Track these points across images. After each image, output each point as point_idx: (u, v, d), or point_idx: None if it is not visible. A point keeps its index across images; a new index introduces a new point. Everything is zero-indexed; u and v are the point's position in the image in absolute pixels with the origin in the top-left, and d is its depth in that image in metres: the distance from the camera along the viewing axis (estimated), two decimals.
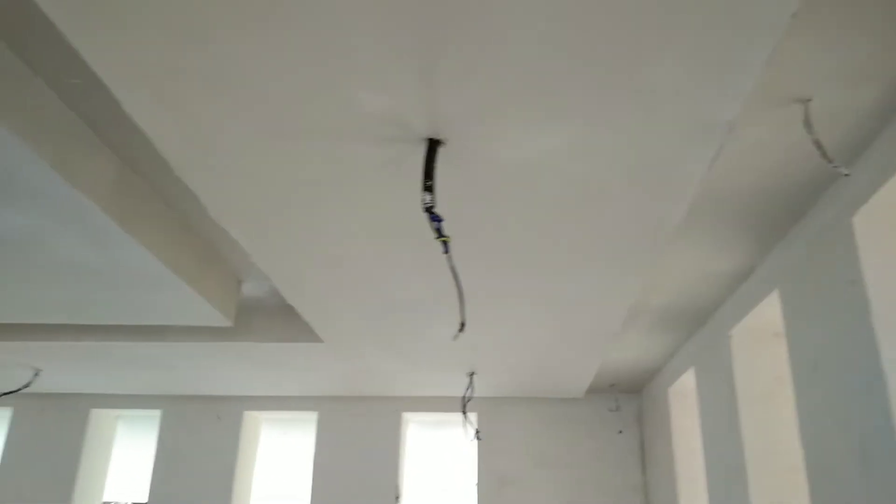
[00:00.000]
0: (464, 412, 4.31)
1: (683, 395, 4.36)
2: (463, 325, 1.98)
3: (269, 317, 3.74)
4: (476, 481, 5.17)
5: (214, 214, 2.34)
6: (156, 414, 5.48)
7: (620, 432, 5.07)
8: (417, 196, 2.20)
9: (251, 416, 5.45)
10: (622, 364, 4.77)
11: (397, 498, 5.13)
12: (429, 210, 1.87)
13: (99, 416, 5.43)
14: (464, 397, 4.32)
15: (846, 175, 2.12)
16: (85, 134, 2.27)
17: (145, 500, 5.16)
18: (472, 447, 5.22)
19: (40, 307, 3.31)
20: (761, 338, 3.36)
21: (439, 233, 1.87)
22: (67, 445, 5.26)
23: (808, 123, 2.03)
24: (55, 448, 5.25)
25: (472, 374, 4.32)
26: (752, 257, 3.15)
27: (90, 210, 2.34)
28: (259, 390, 5.22)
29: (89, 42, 1.57)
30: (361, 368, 4.43)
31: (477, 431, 4.36)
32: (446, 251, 1.87)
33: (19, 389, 4.35)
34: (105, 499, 5.47)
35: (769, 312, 3.12)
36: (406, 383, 4.93)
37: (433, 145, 1.91)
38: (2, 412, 5.42)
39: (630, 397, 5.31)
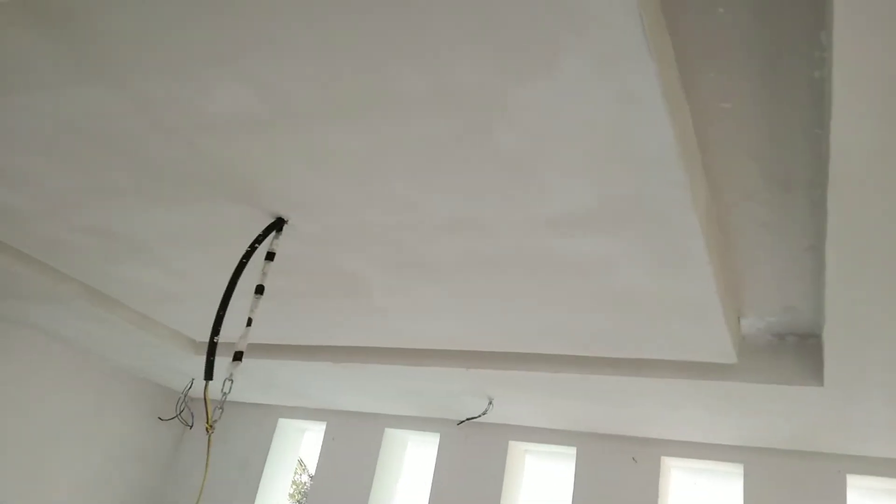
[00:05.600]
0: None
1: None
2: None
3: (757, 356, 3.51)
4: None
5: (834, 234, 2.19)
6: (560, 450, 5.56)
7: None
8: None
9: (667, 463, 5.24)
10: None
11: None
12: None
13: (514, 448, 5.64)
14: None
15: None
16: (697, 158, 2.29)
17: None
18: None
19: (548, 336, 3.50)
20: None
21: None
22: (489, 475, 5.51)
23: None
24: (478, 476, 5.53)
25: None
26: None
27: (694, 239, 2.34)
28: (678, 434, 4.99)
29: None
30: (832, 419, 3.98)
31: None
32: None
33: (478, 416, 4.70)
34: None
35: None
36: (857, 438, 4.35)
37: None
38: (431, 437, 5.91)
39: None
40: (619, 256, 2.57)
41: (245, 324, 2.68)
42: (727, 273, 3.01)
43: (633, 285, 2.77)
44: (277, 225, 2.69)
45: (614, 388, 4.01)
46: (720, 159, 2.35)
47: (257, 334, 4.38)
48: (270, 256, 2.71)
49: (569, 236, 2.48)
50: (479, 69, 1.80)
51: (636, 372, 3.70)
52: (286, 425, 6.45)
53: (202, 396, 6.42)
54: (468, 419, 4.86)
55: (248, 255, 2.64)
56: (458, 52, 1.75)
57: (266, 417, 6.38)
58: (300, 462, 9.06)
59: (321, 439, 6.19)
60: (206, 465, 2.51)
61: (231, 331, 2.70)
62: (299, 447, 6.70)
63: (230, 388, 2.49)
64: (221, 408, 2.47)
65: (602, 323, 3.21)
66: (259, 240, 2.65)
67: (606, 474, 5.23)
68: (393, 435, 6.04)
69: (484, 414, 4.75)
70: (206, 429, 2.42)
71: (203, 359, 5.05)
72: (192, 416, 6.23)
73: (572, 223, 2.39)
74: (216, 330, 2.53)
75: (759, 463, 4.89)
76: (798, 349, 3.46)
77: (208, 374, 2.44)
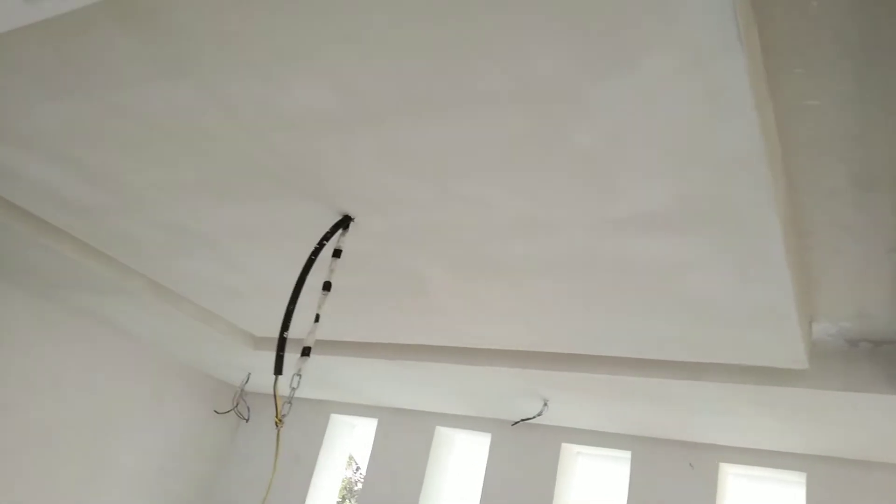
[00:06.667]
0: None
1: None
2: None
3: (829, 362, 3.40)
4: None
5: None
6: (614, 454, 5.47)
7: None
8: None
9: (725, 469, 5.11)
10: None
11: None
12: None
13: (567, 450, 5.57)
14: None
15: None
16: (778, 157, 2.22)
17: None
18: None
19: (610, 339, 3.44)
20: None
21: None
22: (541, 476, 5.45)
23: None
24: (530, 477, 5.48)
25: None
26: None
27: (774, 242, 2.27)
28: (737, 440, 4.86)
29: None
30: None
31: None
32: None
33: (533, 417, 4.66)
34: None
35: None
36: None
37: None
38: (482, 437, 5.89)
39: None
40: (694, 259, 2.51)
41: (313, 320, 2.71)
42: (802, 276, 2.92)
43: (706, 289, 2.70)
44: (344, 223, 2.71)
45: (674, 392, 3.93)
46: (801, 158, 2.28)
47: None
48: (337, 254, 2.73)
49: (643, 238, 2.44)
50: (559, 64, 1.77)
51: (699, 376, 3.62)
52: (338, 421, 6.51)
53: (257, 391, 6.46)
54: (523, 420, 4.82)
55: (316, 252, 2.66)
56: (539, 47, 1.73)
57: (319, 413, 6.45)
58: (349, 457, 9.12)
59: (372, 435, 6.24)
60: (276, 459, 2.54)
61: (294, 326, 2.73)
62: (350, 442, 6.76)
63: (298, 382, 2.52)
64: (290, 402, 2.50)
65: (671, 327, 3.15)
66: (327, 237, 2.67)
67: (662, 480, 5.12)
68: (444, 433, 6.05)
69: (539, 415, 4.71)
70: (276, 423, 2.45)
71: (262, 354, 5.12)
72: (248, 410, 6.34)
73: (647, 224, 2.35)
74: (286, 325, 2.55)
75: (822, 472, 4.72)
76: (872, 356, 3.34)
77: (278, 369, 2.47)
